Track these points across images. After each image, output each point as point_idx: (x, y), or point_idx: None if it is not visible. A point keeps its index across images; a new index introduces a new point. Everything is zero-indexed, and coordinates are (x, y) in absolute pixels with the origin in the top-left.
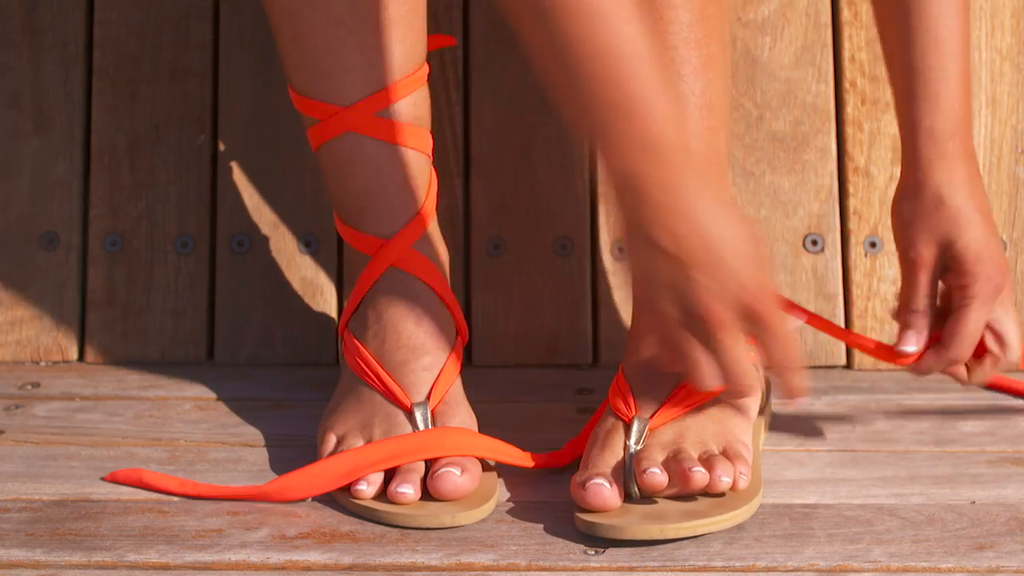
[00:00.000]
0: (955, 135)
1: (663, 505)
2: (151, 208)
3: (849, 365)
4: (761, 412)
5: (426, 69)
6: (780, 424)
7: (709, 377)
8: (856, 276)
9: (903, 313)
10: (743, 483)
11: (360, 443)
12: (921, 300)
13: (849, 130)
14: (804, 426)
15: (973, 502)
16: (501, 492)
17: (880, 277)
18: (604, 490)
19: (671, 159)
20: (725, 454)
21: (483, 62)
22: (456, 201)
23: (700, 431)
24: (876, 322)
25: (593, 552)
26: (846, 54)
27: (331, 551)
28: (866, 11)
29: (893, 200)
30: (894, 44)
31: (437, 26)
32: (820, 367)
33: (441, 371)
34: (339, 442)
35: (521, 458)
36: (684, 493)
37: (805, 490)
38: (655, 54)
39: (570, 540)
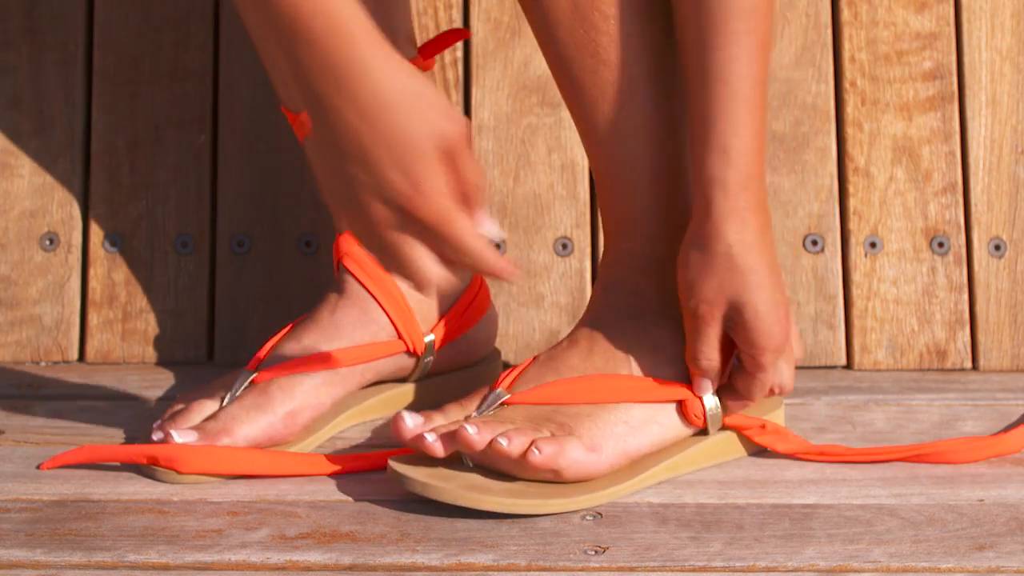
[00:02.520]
0: (747, 187)
1: (490, 481)
2: (151, 208)
3: (849, 365)
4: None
5: None
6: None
7: (440, 273)
8: (856, 276)
9: (694, 363)
10: (534, 457)
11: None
12: (713, 354)
13: (849, 130)
14: (804, 426)
15: (982, 500)
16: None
17: (880, 277)
18: (404, 423)
19: (348, 33)
20: (550, 437)
21: (483, 62)
22: None
23: (548, 416)
24: (876, 322)
25: (593, 552)
26: (846, 54)
27: (331, 551)
28: (866, 11)
29: (681, 247)
30: (689, 89)
31: (437, 26)
32: (820, 367)
33: (297, 362)
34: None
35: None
36: (487, 462)
37: (805, 490)
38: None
39: (570, 540)
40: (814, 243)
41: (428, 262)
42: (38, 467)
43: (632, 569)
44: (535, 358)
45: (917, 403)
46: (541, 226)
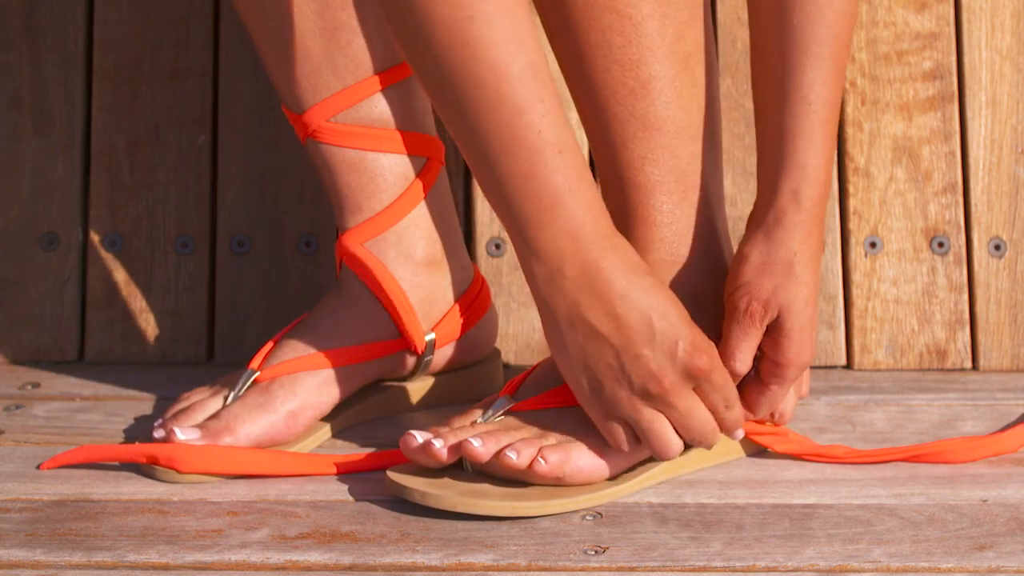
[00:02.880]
0: (817, 204)
1: (488, 486)
2: (151, 208)
3: (849, 365)
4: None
5: (394, 72)
6: None
7: (674, 442)
8: (856, 276)
9: (728, 363)
10: (540, 467)
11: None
12: (748, 358)
13: (849, 130)
14: (804, 426)
15: (982, 500)
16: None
17: (880, 277)
18: (413, 440)
19: (596, 244)
20: (556, 444)
21: None
22: (456, 201)
23: (554, 423)
24: (876, 322)
25: (593, 552)
26: None
27: (331, 551)
28: (866, 11)
29: (740, 247)
30: (767, 104)
31: None
32: (820, 367)
33: (299, 361)
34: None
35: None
36: (492, 471)
37: (805, 490)
38: (570, 138)
39: (570, 540)
40: None
41: (668, 430)
42: (38, 467)
43: (632, 569)
44: (538, 364)
45: (917, 403)
46: None
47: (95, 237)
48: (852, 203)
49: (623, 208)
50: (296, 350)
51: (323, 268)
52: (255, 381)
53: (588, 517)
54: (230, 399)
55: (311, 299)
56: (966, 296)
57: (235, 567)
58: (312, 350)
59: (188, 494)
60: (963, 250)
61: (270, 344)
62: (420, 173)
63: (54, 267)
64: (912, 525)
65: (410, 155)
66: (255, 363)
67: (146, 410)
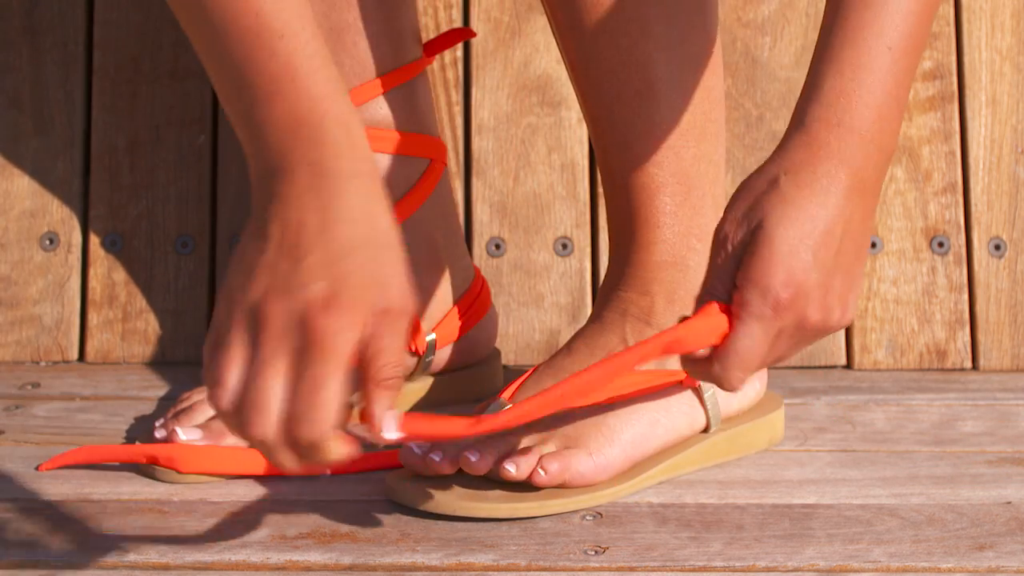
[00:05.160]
0: (832, 128)
1: (486, 489)
2: (151, 208)
3: (849, 365)
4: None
5: (397, 73)
6: None
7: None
8: None
9: (699, 298)
10: (540, 478)
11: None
12: (721, 288)
13: None
14: (804, 426)
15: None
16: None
17: (880, 277)
18: (417, 455)
19: (316, 141)
20: (555, 452)
21: (483, 62)
22: (456, 201)
23: (554, 424)
24: (876, 322)
25: (593, 552)
26: None
27: (331, 551)
28: None
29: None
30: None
31: (437, 26)
32: (820, 367)
33: None
34: None
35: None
36: (492, 477)
37: (805, 490)
38: (310, 28)
39: (570, 540)
40: None
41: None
42: (37, 468)
43: (632, 569)
44: (535, 368)
45: (917, 403)
46: (541, 226)
47: (95, 237)
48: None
49: (626, 209)
50: None
51: None
52: None
53: (588, 517)
54: None
55: None
56: (966, 296)
57: (235, 567)
58: None
59: (188, 494)
60: (963, 250)
61: None
62: (423, 174)
63: (54, 267)
64: (912, 525)
65: (413, 156)
66: None
67: (146, 410)
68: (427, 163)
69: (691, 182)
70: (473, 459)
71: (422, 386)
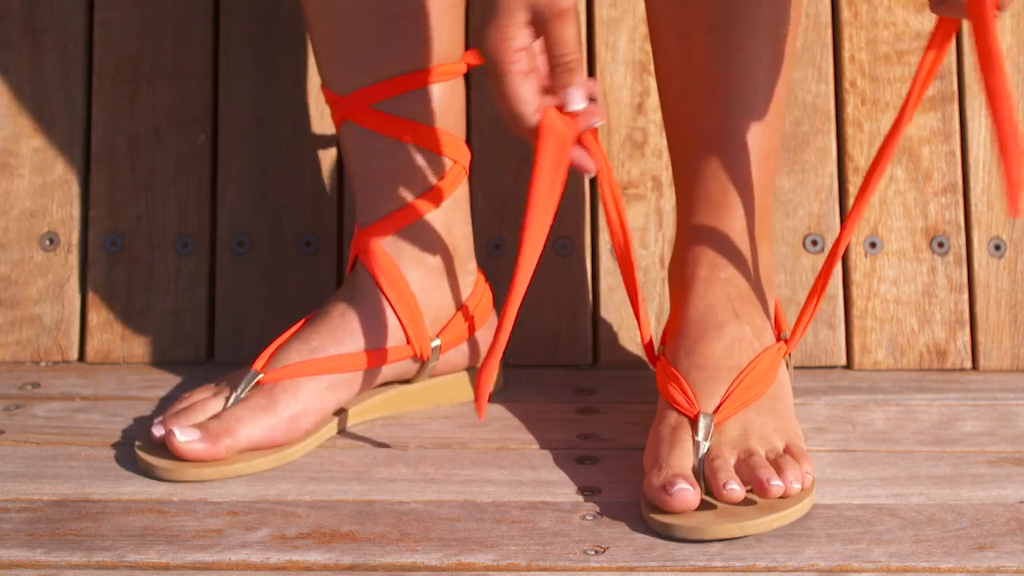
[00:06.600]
0: None
1: (736, 507)
2: (151, 208)
3: (849, 365)
4: None
5: (442, 69)
6: None
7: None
8: (856, 276)
9: (556, 74)
10: (809, 482)
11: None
12: (573, 50)
13: (849, 130)
14: (804, 426)
15: (982, 500)
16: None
17: (880, 277)
18: (688, 494)
19: None
20: (788, 451)
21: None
22: None
23: (762, 426)
24: (876, 322)
25: (593, 552)
26: (846, 54)
27: (331, 551)
28: (866, 11)
29: None
30: None
31: None
32: (820, 367)
33: (303, 365)
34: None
35: None
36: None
37: None
38: None
39: (570, 540)
40: (814, 243)
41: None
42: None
43: (632, 569)
44: (663, 358)
45: (917, 403)
46: None
47: (95, 237)
48: (852, 203)
49: (690, 217)
50: (301, 353)
51: (323, 268)
52: (258, 383)
53: (588, 517)
54: (231, 400)
55: (311, 299)
56: (966, 296)
57: (235, 567)
58: (317, 354)
59: (188, 494)
60: (963, 250)
61: (276, 343)
62: (446, 175)
63: (54, 267)
64: (912, 525)
65: (443, 155)
66: (258, 364)
67: (146, 410)
68: (451, 164)
69: (733, 197)
70: (737, 489)
71: (424, 387)
